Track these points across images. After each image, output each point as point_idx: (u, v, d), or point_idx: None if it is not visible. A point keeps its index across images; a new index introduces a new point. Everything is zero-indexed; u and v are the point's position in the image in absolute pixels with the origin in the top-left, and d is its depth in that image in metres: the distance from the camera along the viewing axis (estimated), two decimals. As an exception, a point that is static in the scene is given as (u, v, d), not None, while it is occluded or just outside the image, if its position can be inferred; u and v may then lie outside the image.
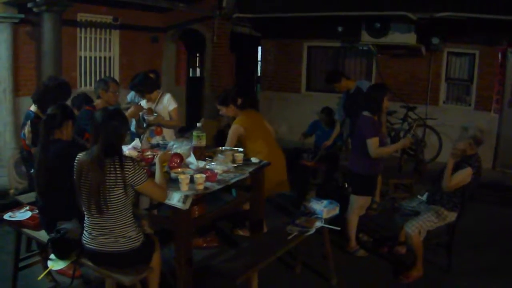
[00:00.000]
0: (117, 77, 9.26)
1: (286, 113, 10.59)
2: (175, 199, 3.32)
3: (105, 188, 2.97)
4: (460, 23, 7.81)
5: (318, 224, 4.09)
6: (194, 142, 4.17)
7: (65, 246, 3.23)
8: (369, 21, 8.60)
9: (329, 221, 4.23)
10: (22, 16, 6.81)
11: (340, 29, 9.00)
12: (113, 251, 3.07)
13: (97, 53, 9.06)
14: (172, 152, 3.97)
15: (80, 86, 8.67)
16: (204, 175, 3.54)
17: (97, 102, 4.90)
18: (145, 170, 3.19)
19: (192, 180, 3.49)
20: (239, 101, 5.00)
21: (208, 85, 10.50)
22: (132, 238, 3.11)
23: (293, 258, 4.61)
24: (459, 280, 4.47)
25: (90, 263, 3.19)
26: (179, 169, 3.74)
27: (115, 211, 3.03)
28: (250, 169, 4.14)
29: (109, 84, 4.92)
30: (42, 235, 3.60)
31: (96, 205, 3.00)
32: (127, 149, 4.13)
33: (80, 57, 8.70)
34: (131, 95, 5.92)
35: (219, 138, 6.53)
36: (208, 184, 3.59)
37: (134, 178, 3.04)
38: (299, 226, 4.04)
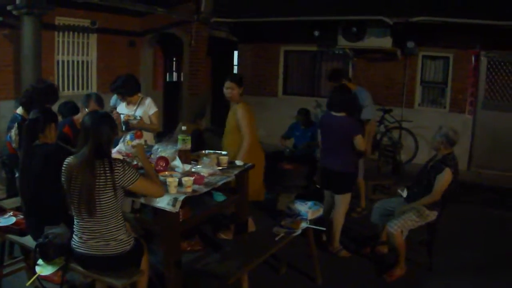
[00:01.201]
0: (94, 82, 9.23)
1: (263, 117, 10.57)
2: (164, 202, 3.32)
3: (95, 191, 2.96)
4: (434, 27, 8.01)
5: (304, 225, 4.15)
6: (179, 146, 4.18)
7: (53, 251, 3.21)
8: (346, 25, 8.75)
9: (314, 222, 4.29)
10: (1, 19, 6.70)
11: (316, 33, 9.13)
12: (104, 255, 3.05)
13: (75, 57, 8.95)
14: (158, 156, 3.98)
15: (58, 90, 8.53)
16: (192, 178, 3.56)
17: (77, 116, 4.88)
18: (135, 169, 3.18)
19: (180, 183, 3.51)
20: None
21: (186, 89, 10.48)
22: (123, 241, 3.10)
23: (277, 260, 4.64)
24: (441, 278, 4.58)
25: (79, 268, 3.16)
26: (166, 172, 3.76)
27: (106, 214, 3.02)
28: (235, 172, 4.18)
29: (90, 102, 4.90)
30: (27, 241, 3.54)
31: (86, 209, 2.98)
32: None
33: (58, 61, 8.59)
34: (113, 99, 5.88)
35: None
36: (196, 187, 3.60)
37: (125, 179, 3.04)
38: (285, 228, 4.10)
